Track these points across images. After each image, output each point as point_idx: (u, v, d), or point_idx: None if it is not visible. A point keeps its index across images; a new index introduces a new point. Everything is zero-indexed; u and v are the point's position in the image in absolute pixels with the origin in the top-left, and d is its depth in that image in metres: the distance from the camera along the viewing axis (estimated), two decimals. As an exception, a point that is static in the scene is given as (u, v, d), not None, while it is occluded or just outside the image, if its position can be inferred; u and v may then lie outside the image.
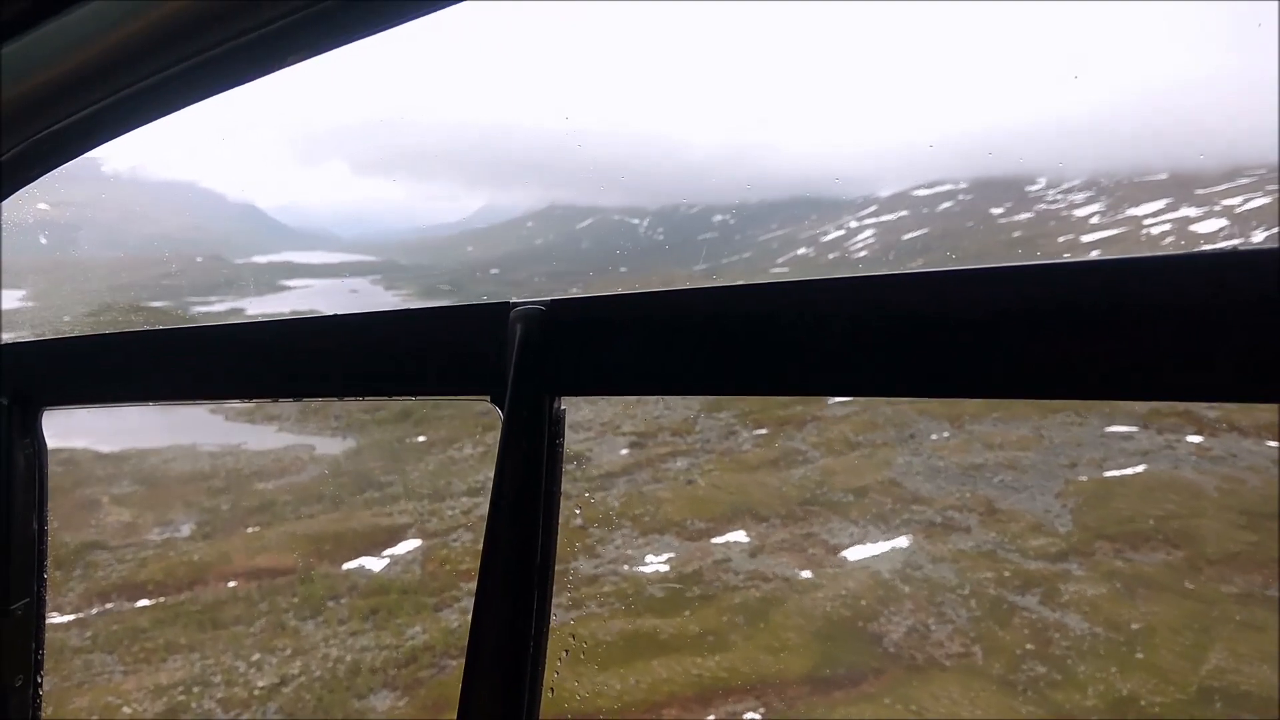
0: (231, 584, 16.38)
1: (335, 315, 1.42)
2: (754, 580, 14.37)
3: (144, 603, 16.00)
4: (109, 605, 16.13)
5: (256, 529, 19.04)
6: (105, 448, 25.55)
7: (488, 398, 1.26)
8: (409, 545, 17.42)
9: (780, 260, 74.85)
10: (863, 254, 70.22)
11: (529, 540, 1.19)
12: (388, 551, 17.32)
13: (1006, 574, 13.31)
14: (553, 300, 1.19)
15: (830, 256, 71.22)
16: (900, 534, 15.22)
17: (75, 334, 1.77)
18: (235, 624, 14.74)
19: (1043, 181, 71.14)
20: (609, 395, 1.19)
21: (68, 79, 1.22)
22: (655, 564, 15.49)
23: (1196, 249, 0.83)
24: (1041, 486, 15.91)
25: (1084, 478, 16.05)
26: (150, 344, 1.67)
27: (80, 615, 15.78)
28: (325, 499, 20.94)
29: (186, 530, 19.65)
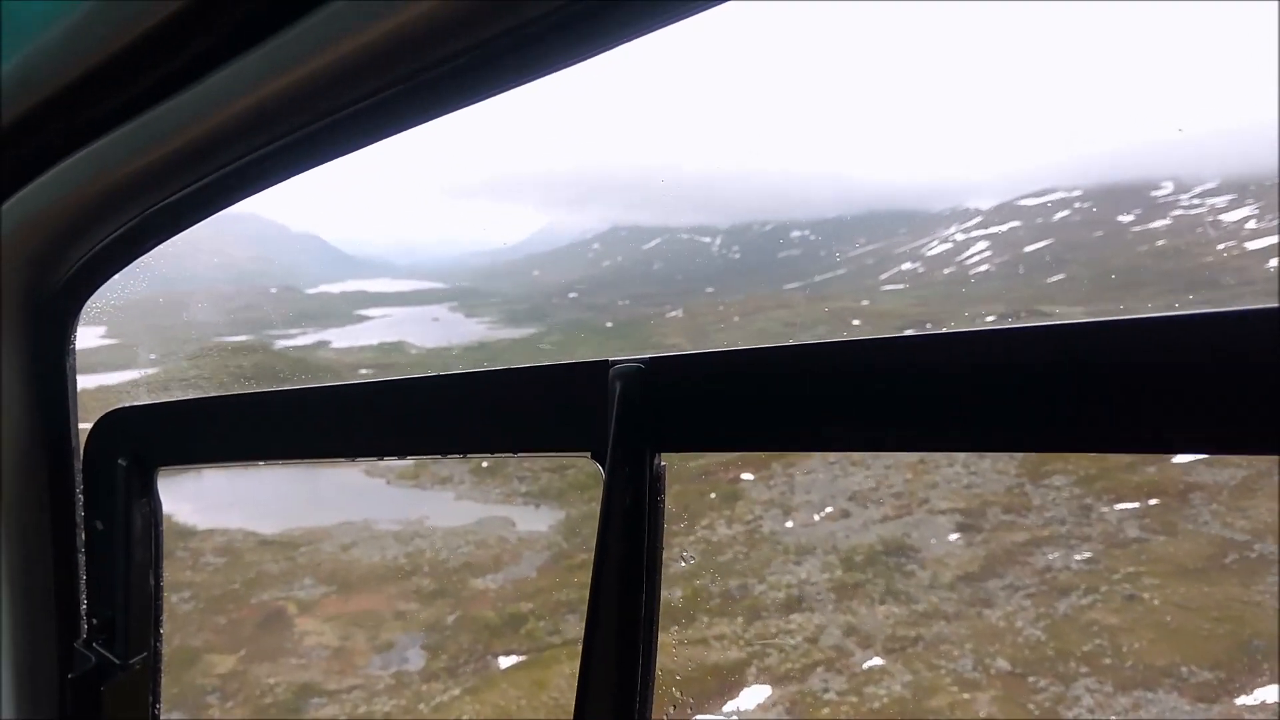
0: (533, 763, 11.29)
1: (440, 375, 1.39)
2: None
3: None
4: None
5: (519, 660, 13.93)
6: (265, 529, 20.57)
7: (589, 454, 1.19)
8: (758, 693, 12.23)
9: (884, 276, 69.23)
10: (983, 268, 64.43)
11: (634, 593, 1.10)
12: (732, 705, 12.15)
13: None
14: (651, 357, 1.15)
15: (946, 271, 65.54)
16: None
17: (188, 396, 1.75)
18: None
19: (1170, 186, 65.00)
20: (708, 451, 1.15)
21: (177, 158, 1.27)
22: (1174, 743, 10.18)
23: None
24: None
25: None
26: (260, 405, 1.67)
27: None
28: (583, 609, 15.77)
29: (417, 659, 14.58)
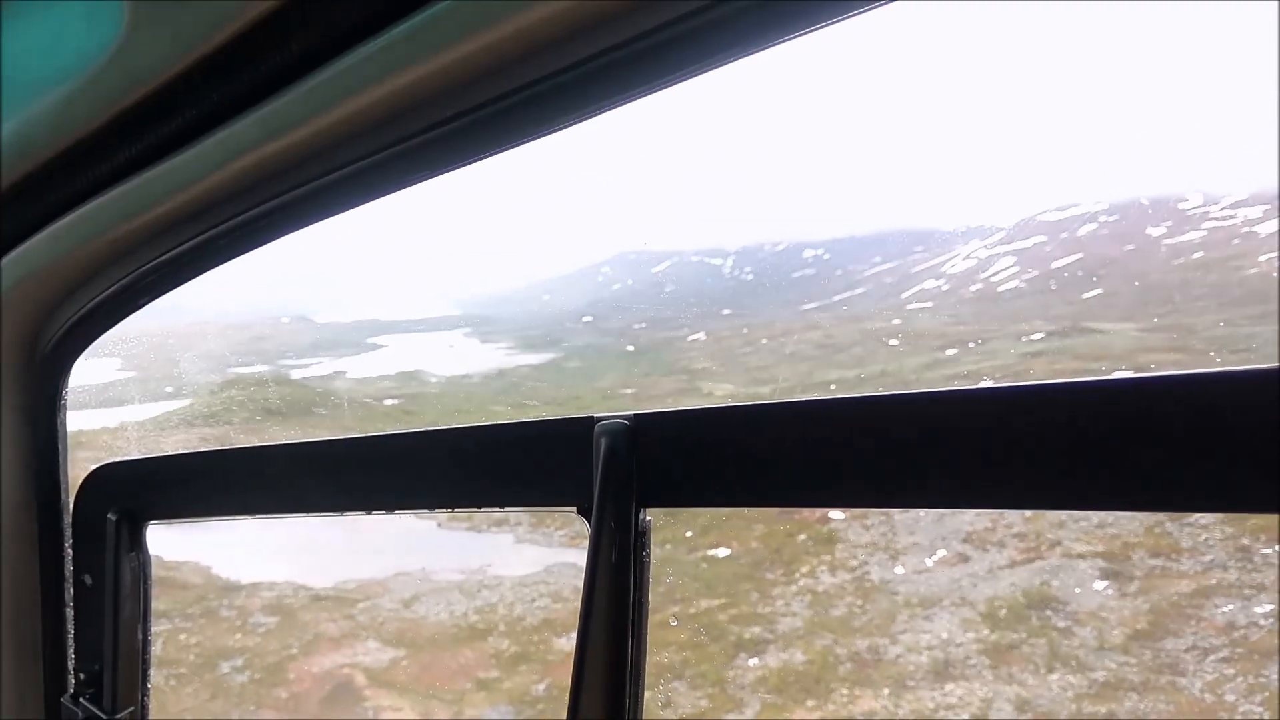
0: None
1: (428, 430, 1.40)
2: None
3: None
4: None
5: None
6: (316, 582, 18.76)
7: (574, 509, 1.22)
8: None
9: (906, 294, 68.08)
10: (1012, 284, 63.27)
11: (620, 646, 1.12)
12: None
13: None
14: (637, 414, 1.16)
15: (973, 289, 64.32)
16: None
17: (178, 451, 1.77)
18: None
19: (1198, 197, 64.02)
20: (693, 508, 1.15)
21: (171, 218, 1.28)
22: None
23: None
24: None
25: None
26: (248, 460, 1.69)
27: None
28: (697, 674, 13.95)
29: (511, 740, 12.77)
